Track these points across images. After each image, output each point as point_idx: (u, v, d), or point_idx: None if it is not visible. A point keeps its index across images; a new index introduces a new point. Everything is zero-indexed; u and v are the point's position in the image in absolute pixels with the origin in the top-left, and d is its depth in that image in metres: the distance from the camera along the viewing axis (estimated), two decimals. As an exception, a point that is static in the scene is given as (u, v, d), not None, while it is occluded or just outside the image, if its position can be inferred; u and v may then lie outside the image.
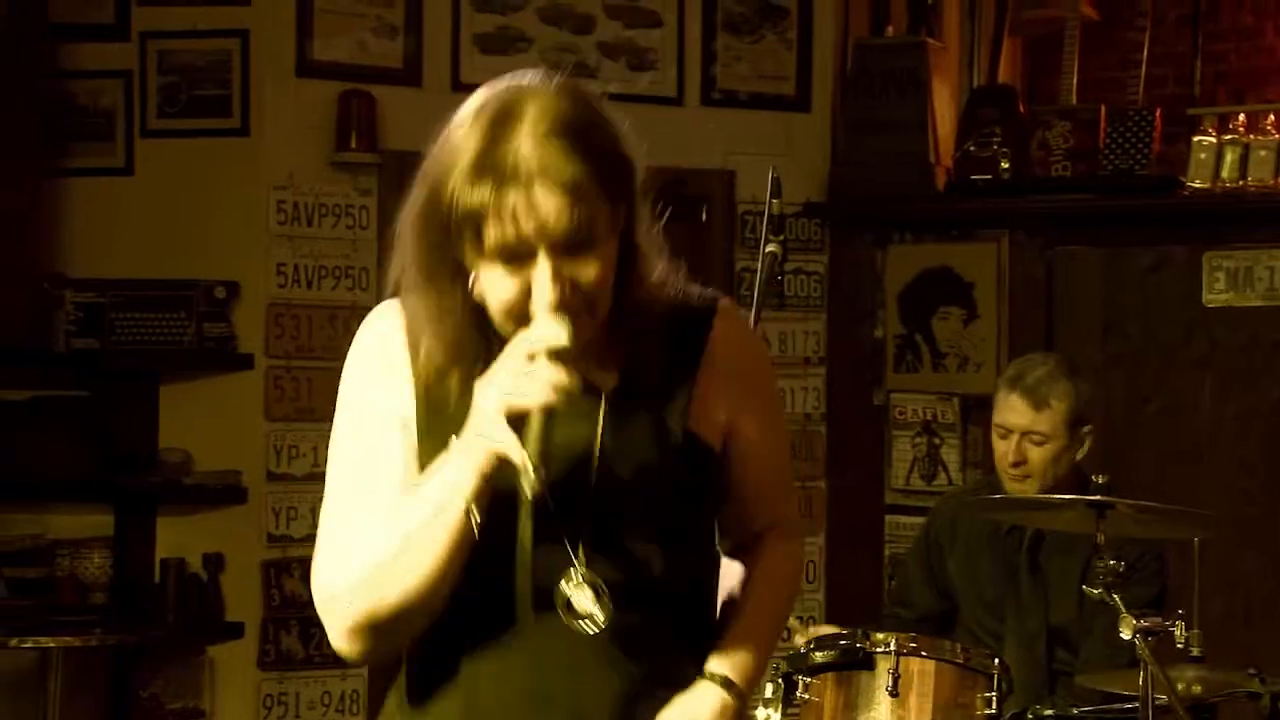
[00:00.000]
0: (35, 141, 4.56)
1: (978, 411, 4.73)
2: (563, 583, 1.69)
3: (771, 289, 2.73)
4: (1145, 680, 2.80)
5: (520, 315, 1.66)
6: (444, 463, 1.67)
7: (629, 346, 1.75)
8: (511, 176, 1.62)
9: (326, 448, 1.81)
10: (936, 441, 4.93)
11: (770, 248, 2.68)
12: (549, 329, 1.64)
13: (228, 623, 4.58)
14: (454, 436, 1.67)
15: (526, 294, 1.65)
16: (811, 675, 2.87)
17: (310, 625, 4.58)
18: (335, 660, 4.60)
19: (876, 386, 5.05)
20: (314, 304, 4.65)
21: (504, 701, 1.73)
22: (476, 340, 1.72)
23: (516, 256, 1.64)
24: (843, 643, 2.90)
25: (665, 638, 1.76)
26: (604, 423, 1.73)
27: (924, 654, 2.89)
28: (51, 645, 4.25)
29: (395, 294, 1.77)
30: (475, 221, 1.64)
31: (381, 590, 1.67)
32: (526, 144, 1.63)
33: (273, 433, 4.58)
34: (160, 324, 4.58)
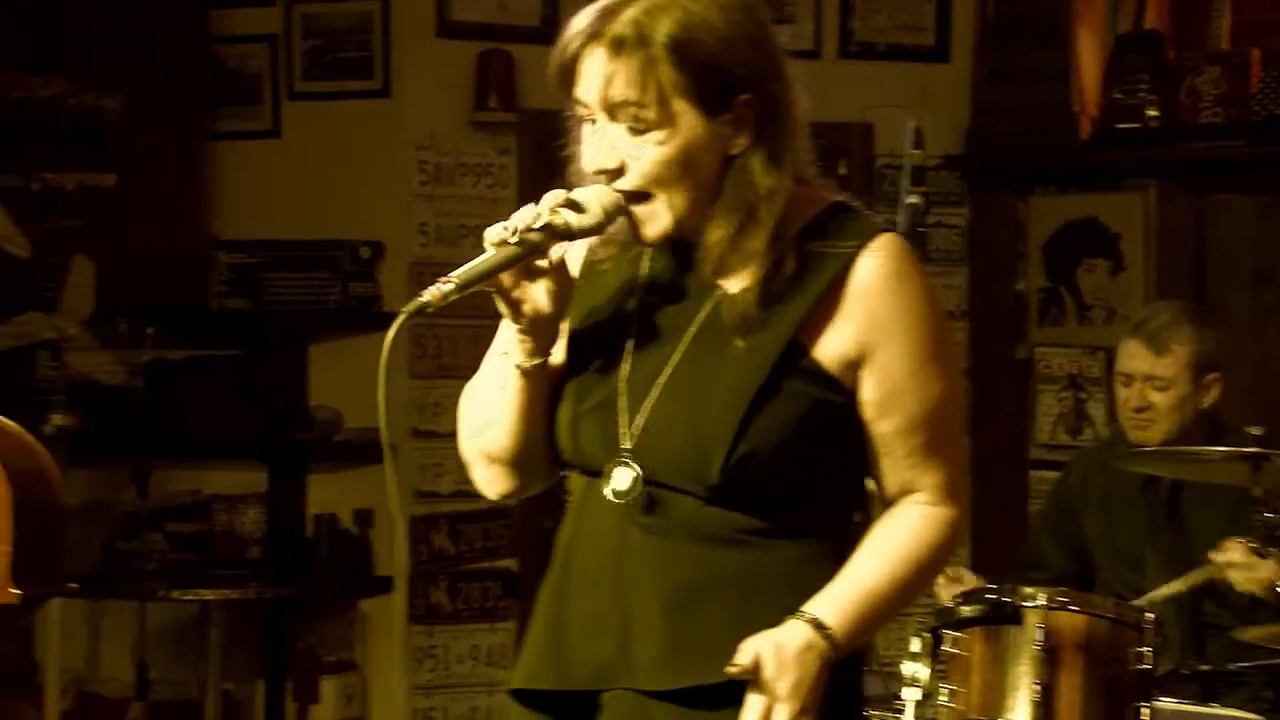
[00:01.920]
0: (190, 107, 4.67)
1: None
2: (611, 458, 1.76)
3: (913, 242, 2.71)
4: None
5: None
6: None
7: (768, 251, 1.77)
8: (589, 39, 1.74)
9: (470, 405, 1.94)
10: (1082, 396, 4.87)
11: (912, 199, 2.67)
12: (550, 197, 1.74)
13: (378, 577, 4.67)
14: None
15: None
16: (959, 629, 2.86)
17: (458, 580, 4.66)
18: (483, 614, 4.74)
19: (1020, 341, 4.99)
20: (456, 263, 4.67)
21: (583, 571, 1.80)
22: None
23: (580, 108, 1.77)
24: (990, 597, 2.88)
25: (726, 533, 1.75)
26: (706, 314, 1.77)
27: (1074, 608, 2.85)
28: (211, 598, 4.39)
29: None
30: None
31: (475, 432, 1.86)
32: (625, 13, 1.73)
33: (417, 390, 4.65)
34: (308, 284, 4.67)
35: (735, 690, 1.73)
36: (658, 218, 1.75)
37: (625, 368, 1.78)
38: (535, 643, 1.82)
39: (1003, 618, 2.84)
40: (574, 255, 1.83)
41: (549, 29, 4.70)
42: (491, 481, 1.87)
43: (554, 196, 1.74)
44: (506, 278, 1.73)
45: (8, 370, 4.17)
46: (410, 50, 4.68)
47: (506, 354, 1.78)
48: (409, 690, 4.63)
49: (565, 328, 1.84)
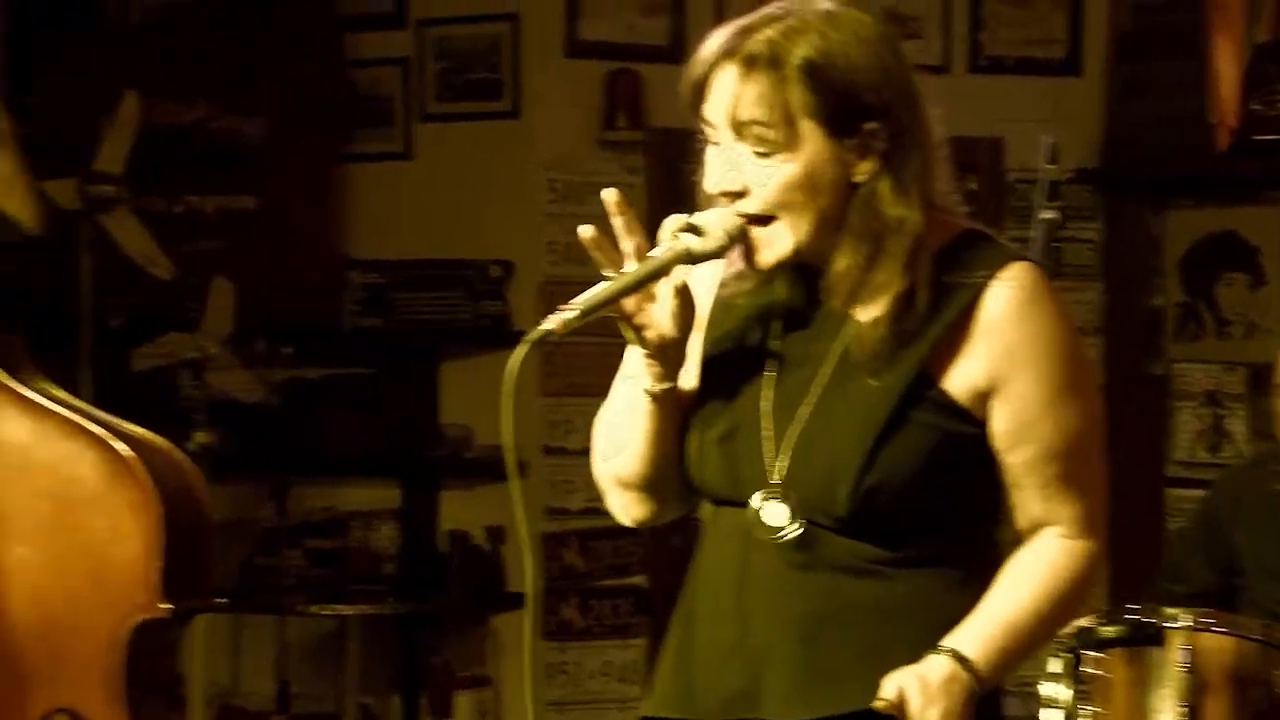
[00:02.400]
0: (325, 130, 4.77)
1: (1267, 381, 4.55)
2: (757, 493, 1.75)
3: (1048, 257, 2.68)
4: None
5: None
6: None
7: (901, 279, 1.76)
8: (722, 56, 1.74)
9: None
10: (1221, 412, 4.77)
11: (1048, 214, 2.64)
12: (673, 221, 1.75)
13: (509, 593, 4.71)
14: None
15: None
16: (1100, 650, 2.81)
17: (589, 596, 4.69)
18: (614, 630, 4.76)
19: (1155, 356, 4.91)
20: (585, 281, 4.70)
21: (711, 601, 1.80)
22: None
23: (707, 128, 1.76)
24: (1131, 617, 2.83)
25: (856, 564, 1.74)
26: (839, 345, 1.76)
27: (1221, 630, 2.79)
28: (348, 613, 4.46)
29: None
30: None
31: (608, 457, 1.86)
32: (761, 33, 1.73)
33: (547, 408, 4.69)
34: (439, 303, 4.73)
35: None
36: (778, 242, 1.75)
37: (765, 399, 1.78)
38: (665, 671, 1.83)
39: (1145, 639, 2.79)
40: (704, 281, 1.83)
41: (677, 48, 4.72)
42: (626, 508, 1.88)
43: (675, 221, 1.75)
44: (629, 303, 1.74)
45: (151, 389, 4.27)
46: (539, 71, 4.73)
47: (635, 378, 1.79)
48: (542, 706, 4.67)
49: (695, 353, 1.84)
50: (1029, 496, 1.79)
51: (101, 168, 4.13)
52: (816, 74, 1.72)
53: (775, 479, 1.75)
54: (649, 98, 4.66)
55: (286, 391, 4.53)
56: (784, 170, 1.73)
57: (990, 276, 1.76)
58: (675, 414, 1.80)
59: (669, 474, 1.82)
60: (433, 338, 4.77)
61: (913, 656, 1.74)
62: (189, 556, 2.30)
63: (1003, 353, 1.75)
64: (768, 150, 1.73)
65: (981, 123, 4.86)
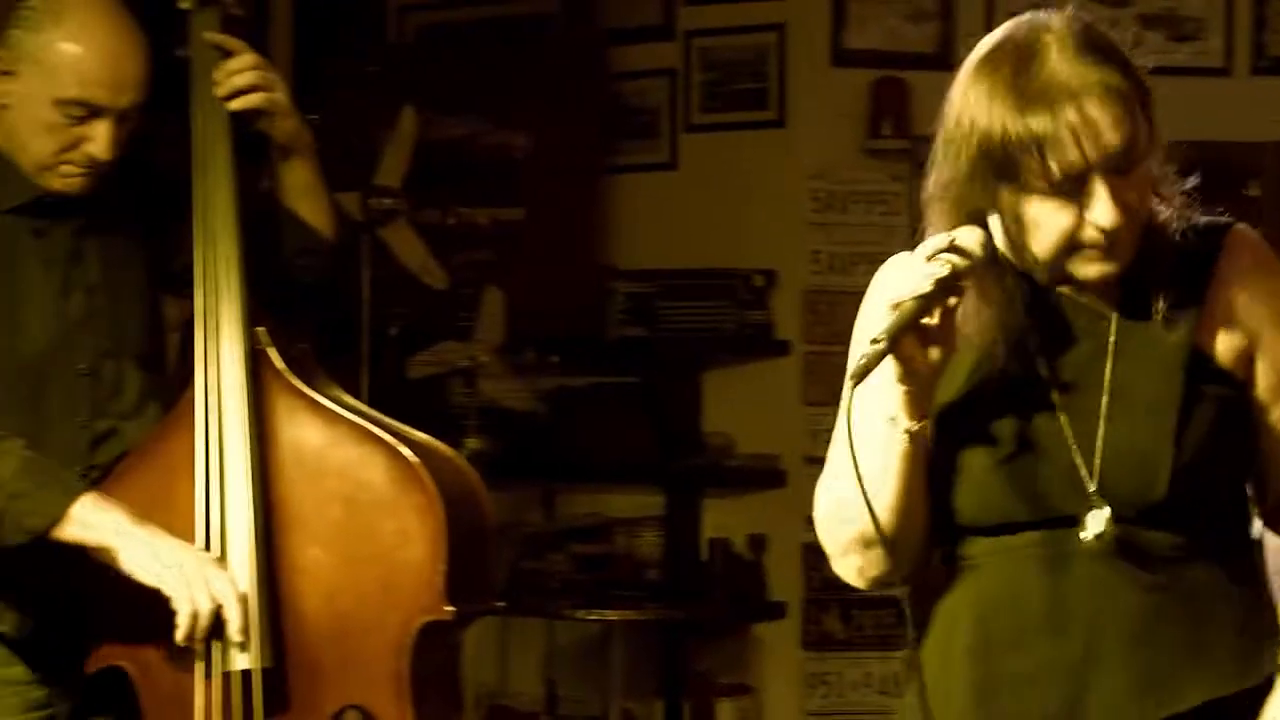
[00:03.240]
0: (592, 142, 4.85)
1: None
2: (1077, 505, 1.71)
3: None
4: None
5: (1072, 245, 1.69)
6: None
7: (1141, 270, 1.73)
8: (1062, 95, 1.64)
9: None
10: None
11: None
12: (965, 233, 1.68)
13: (771, 602, 4.72)
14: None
15: (1079, 222, 1.68)
16: None
17: (850, 607, 4.66)
18: (878, 642, 4.72)
19: None
20: (848, 290, 4.69)
21: (1016, 625, 1.75)
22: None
23: (1071, 181, 1.66)
24: None
25: (1178, 560, 1.71)
26: (1114, 343, 1.74)
27: None
28: (613, 618, 4.52)
29: None
30: (1034, 151, 1.65)
31: (848, 518, 1.76)
32: (1063, 65, 1.65)
33: (809, 417, 4.68)
34: (703, 312, 4.76)
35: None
36: (1119, 255, 1.72)
37: (1058, 410, 1.75)
38: (960, 710, 1.77)
39: None
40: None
41: (945, 55, 4.67)
42: (863, 569, 1.80)
43: (940, 241, 1.71)
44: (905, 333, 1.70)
45: (425, 396, 4.40)
46: (805, 80, 4.72)
47: (894, 419, 1.73)
48: (803, 716, 4.66)
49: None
50: None
51: (382, 181, 4.27)
52: (1145, 94, 1.71)
53: (1091, 487, 1.72)
54: (915, 105, 4.61)
55: (553, 399, 4.61)
56: (1139, 187, 1.70)
57: (1218, 243, 1.77)
58: (924, 456, 1.76)
59: (918, 522, 1.78)
60: (696, 347, 4.80)
61: (1230, 649, 1.72)
62: (472, 561, 2.35)
63: (1250, 312, 1.75)
64: (1129, 173, 1.69)
65: (1265, 127, 4.68)
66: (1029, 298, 1.77)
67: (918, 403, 1.72)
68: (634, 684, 4.67)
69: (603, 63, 4.89)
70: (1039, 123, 1.64)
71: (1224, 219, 1.80)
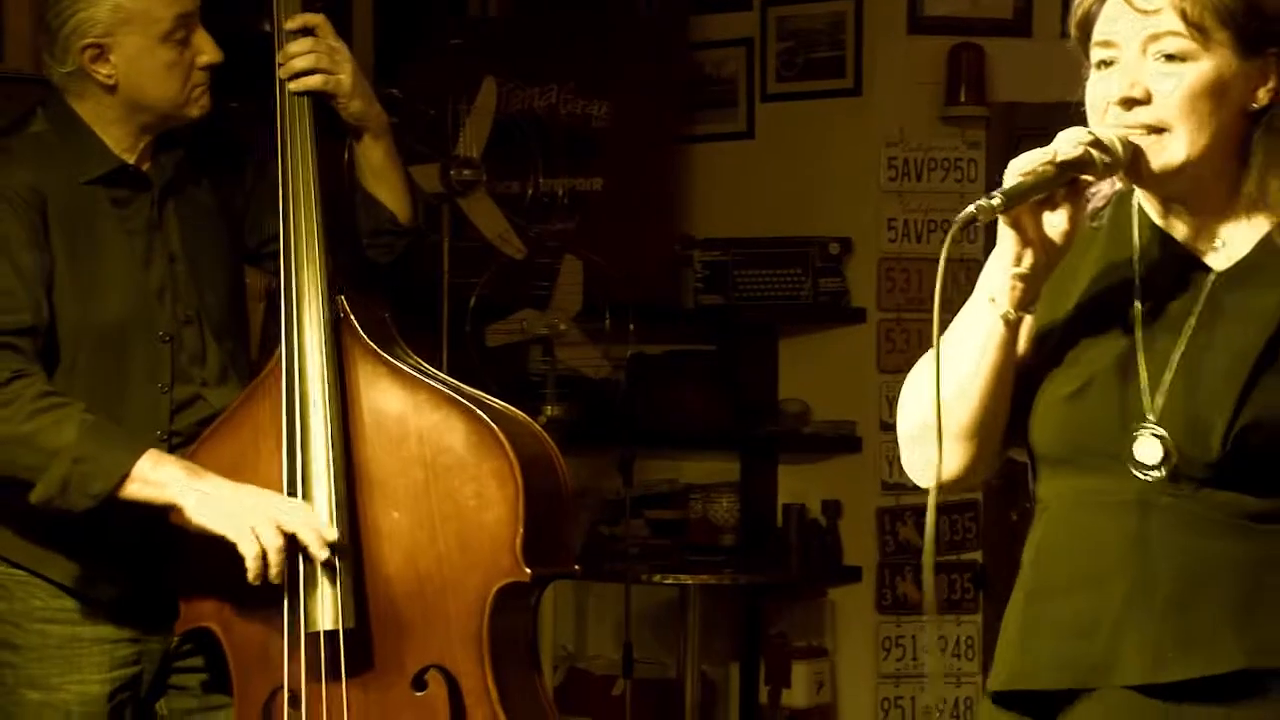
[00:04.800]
0: (670, 112, 4.88)
1: None
2: (1133, 429, 1.71)
3: None
4: None
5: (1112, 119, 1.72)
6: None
7: (1250, 231, 1.73)
8: None
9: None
10: None
11: None
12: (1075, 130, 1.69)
13: (846, 566, 4.75)
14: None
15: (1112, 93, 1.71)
16: None
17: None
18: (951, 605, 4.73)
19: None
20: (923, 258, 4.73)
21: (1066, 571, 1.75)
22: None
23: (1103, 50, 1.72)
24: None
25: (1226, 518, 1.69)
26: (1206, 297, 1.73)
27: None
28: (689, 582, 4.56)
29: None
30: (1090, 22, 1.74)
31: (925, 401, 1.74)
32: None
33: (884, 384, 4.70)
34: (779, 280, 4.78)
35: (1227, 685, 1.69)
36: (1170, 150, 1.71)
37: (1138, 347, 1.74)
38: (1009, 649, 1.81)
39: None
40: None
41: (1022, 22, 4.64)
42: (932, 462, 1.71)
43: (1076, 133, 1.70)
44: (1029, 208, 1.69)
45: (504, 363, 4.46)
46: (882, 48, 4.72)
47: (993, 300, 1.72)
48: (877, 678, 4.69)
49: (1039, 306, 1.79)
50: None
51: (462, 152, 4.32)
52: None
53: (1151, 417, 1.71)
54: (992, 72, 4.59)
55: (631, 367, 4.66)
56: (1193, 75, 1.69)
57: None
58: (1017, 353, 1.76)
59: (999, 421, 1.77)
60: (772, 314, 4.83)
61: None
62: (549, 525, 2.40)
63: None
64: (1178, 57, 1.70)
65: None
66: (1144, 237, 1.78)
67: (1020, 293, 1.71)
68: (710, 648, 4.72)
69: (682, 33, 4.91)
70: None
71: None
